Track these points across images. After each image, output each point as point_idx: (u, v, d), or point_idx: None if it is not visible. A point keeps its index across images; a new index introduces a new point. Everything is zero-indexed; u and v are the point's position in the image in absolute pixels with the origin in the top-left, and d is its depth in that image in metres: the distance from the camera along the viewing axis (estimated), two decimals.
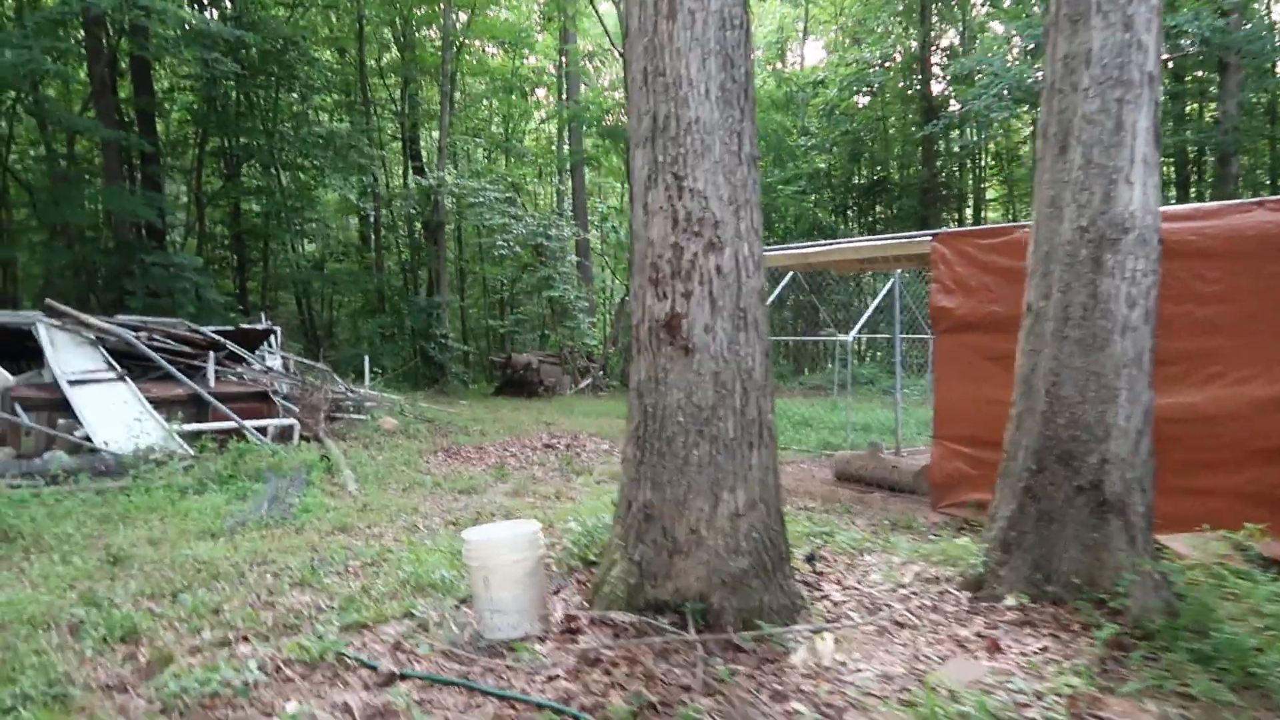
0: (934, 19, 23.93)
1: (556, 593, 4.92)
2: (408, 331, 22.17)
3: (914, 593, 4.84)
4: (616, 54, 24.39)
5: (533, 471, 9.98)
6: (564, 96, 27.24)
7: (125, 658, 4.27)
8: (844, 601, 4.66)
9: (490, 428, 13.56)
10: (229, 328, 12.71)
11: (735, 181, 4.23)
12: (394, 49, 26.12)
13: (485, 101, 29.29)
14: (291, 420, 11.01)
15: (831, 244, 8.57)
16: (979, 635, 4.26)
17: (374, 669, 3.97)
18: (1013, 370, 7.16)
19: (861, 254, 8.15)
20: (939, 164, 23.73)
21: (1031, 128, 27.37)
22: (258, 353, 13.19)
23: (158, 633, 4.57)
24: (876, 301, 11.04)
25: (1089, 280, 4.42)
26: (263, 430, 10.63)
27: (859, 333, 11.93)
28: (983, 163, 28.55)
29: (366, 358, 15.60)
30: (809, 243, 9.61)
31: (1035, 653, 4.05)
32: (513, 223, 19.61)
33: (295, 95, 21.45)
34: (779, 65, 31.62)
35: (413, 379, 20.25)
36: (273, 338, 13.58)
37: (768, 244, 28.39)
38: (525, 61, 29.86)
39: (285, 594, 5.22)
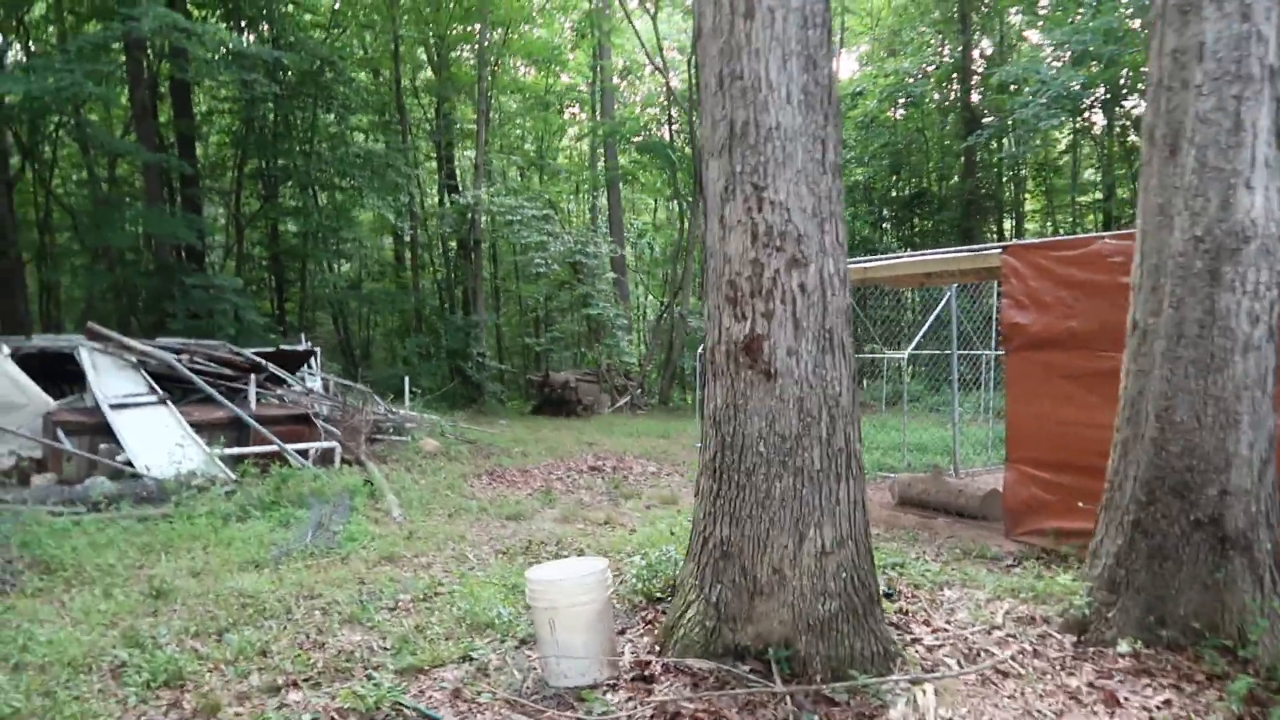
0: (973, 28, 23.49)
1: (622, 633, 4.60)
2: (444, 351, 22.02)
3: (1011, 635, 4.47)
4: (651, 69, 24.21)
5: (580, 495, 9.68)
6: (597, 113, 27.14)
7: (169, 705, 4.02)
8: (937, 646, 4.30)
9: (532, 449, 13.29)
10: (269, 349, 12.58)
11: (819, 192, 3.91)
12: (428, 69, 26.17)
13: (518, 120, 29.25)
14: (333, 443, 10.81)
15: (894, 258, 8.22)
16: (1091, 686, 3.88)
17: None
18: (1093, 389, 6.79)
19: (927, 267, 7.80)
20: (980, 175, 23.22)
21: (1071, 136, 26.79)
22: (298, 374, 13.04)
23: (203, 677, 4.31)
24: (933, 316, 10.64)
25: (1205, 294, 4.05)
26: (304, 453, 10.43)
27: (914, 349, 11.55)
28: (1023, 174, 27.93)
29: (406, 378, 15.43)
30: (868, 257, 9.26)
31: (1158, 707, 3.68)
32: (550, 240, 19.40)
33: (332, 116, 21.47)
34: None
35: (450, 399, 20.06)
36: (313, 359, 13.43)
37: None
38: (559, 79, 29.81)
39: (335, 633, 4.95)
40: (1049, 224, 29.07)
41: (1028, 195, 29.23)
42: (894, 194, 26.18)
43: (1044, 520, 6.93)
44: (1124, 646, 4.10)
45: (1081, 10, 19.37)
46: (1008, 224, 24.85)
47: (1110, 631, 4.27)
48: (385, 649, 4.65)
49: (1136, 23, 18.07)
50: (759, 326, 3.91)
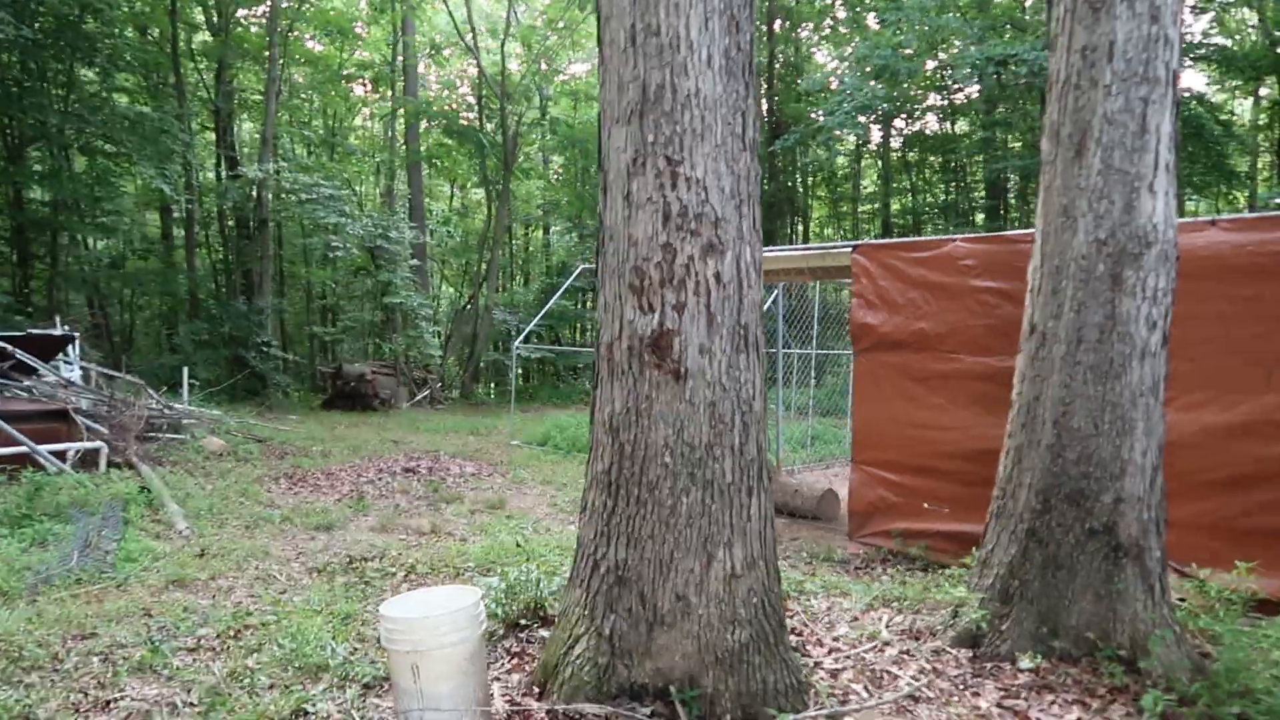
0: (776, 40, 24.15)
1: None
2: (223, 339, 20.02)
3: (905, 652, 4.23)
4: (464, 45, 23.10)
5: (396, 500, 8.83)
6: (392, 93, 25.61)
7: None
8: (839, 670, 3.98)
9: (333, 447, 12.17)
10: (15, 334, 10.73)
11: (738, 170, 3.47)
12: (205, 31, 23.76)
13: (305, 94, 27.16)
14: (98, 443, 9.32)
15: None
16: (1001, 707, 3.68)
17: None
18: (941, 392, 6.82)
19: (779, 264, 7.61)
20: (782, 178, 23.91)
21: (855, 148, 28.23)
22: (52, 363, 11.23)
23: None
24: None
25: (1107, 299, 3.96)
26: (61, 455, 8.93)
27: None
28: (814, 180, 29.23)
29: (185, 369, 13.73)
30: None
31: None
32: (348, 221, 17.98)
33: (93, 71, 18.91)
34: None
35: (230, 391, 18.23)
36: (70, 346, 11.62)
37: None
38: (352, 54, 27.97)
39: (122, 686, 4.00)
40: (833, 229, 30.59)
41: (815, 201, 30.62)
42: None
43: (890, 522, 6.89)
44: (1025, 662, 3.95)
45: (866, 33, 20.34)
46: (800, 227, 25.78)
47: (1004, 644, 4.12)
48: (191, 705, 3.79)
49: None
50: (669, 320, 3.42)
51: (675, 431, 3.44)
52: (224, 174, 22.87)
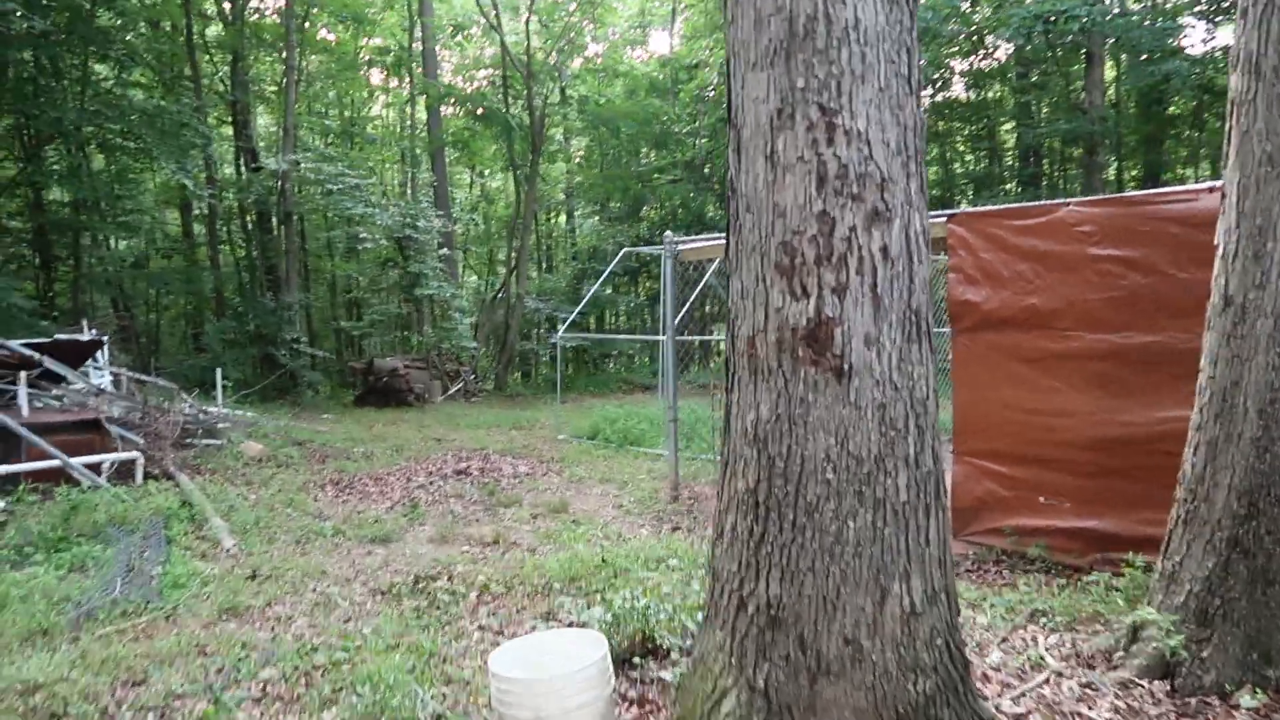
0: None
1: None
2: (249, 337, 19.55)
3: (1088, 686, 3.61)
4: (487, 24, 22.32)
5: (450, 506, 8.28)
6: (408, 79, 24.91)
7: None
8: (1024, 716, 3.37)
9: (374, 449, 11.64)
10: (43, 340, 10.25)
11: (904, 120, 2.85)
12: (218, 23, 23.20)
13: (322, 82, 26.57)
14: (134, 453, 8.83)
15: None
16: None
17: None
18: (1057, 374, 6.17)
19: None
20: None
21: None
22: (81, 370, 10.76)
23: None
24: None
25: None
26: (96, 468, 8.44)
27: None
28: None
29: (219, 370, 13.25)
30: None
31: None
32: (376, 212, 17.43)
33: (108, 67, 18.40)
34: (643, 51, 30.52)
35: (260, 391, 17.77)
36: (100, 351, 11.14)
37: (643, 236, 27.11)
38: (369, 42, 27.37)
39: None
40: None
41: None
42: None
43: (1001, 518, 6.25)
44: (1246, 699, 3.32)
45: None
46: None
47: (1207, 675, 3.50)
48: None
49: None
50: (828, 306, 2.80)
51: (838, 441, 2.83)
52: (244, 168, 22.35)
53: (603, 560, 5.66)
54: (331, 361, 24.42)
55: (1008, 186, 25.31)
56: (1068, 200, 6.06)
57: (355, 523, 7.51)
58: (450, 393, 20.83)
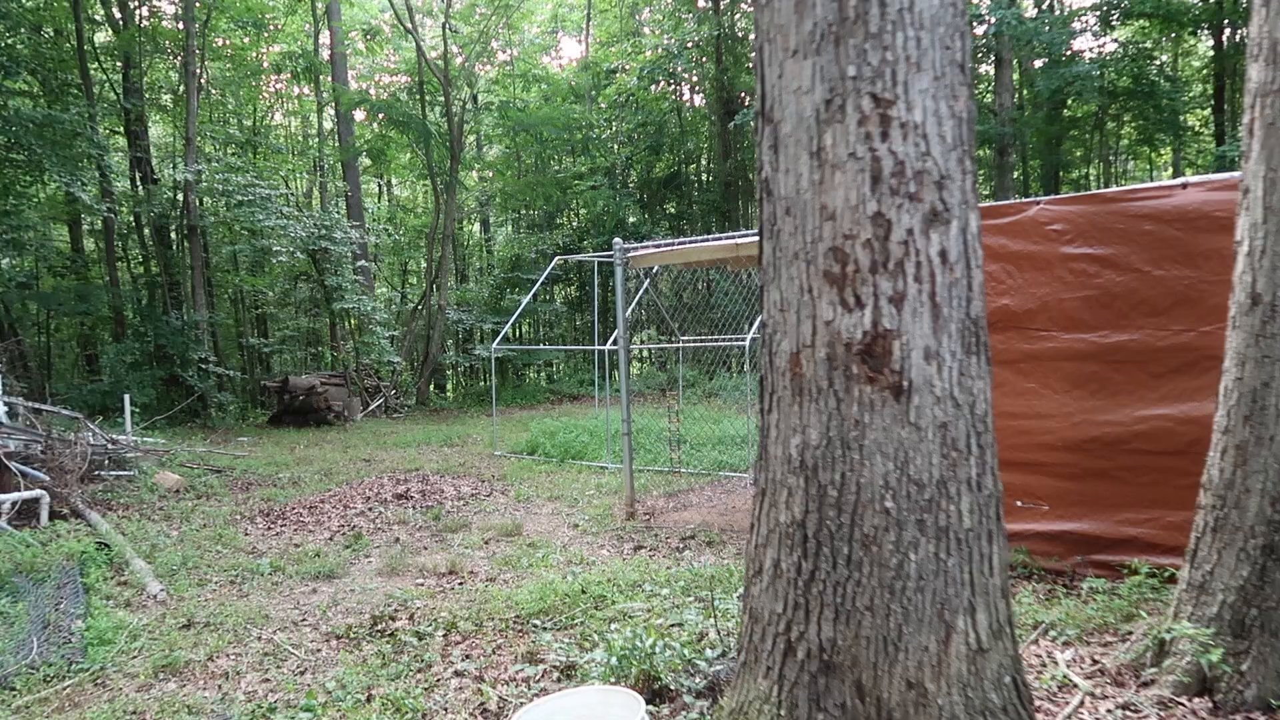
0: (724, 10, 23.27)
1: None
2: (154, 357, 18.44)
3: (1126, 707, 3.43)
4: (402, 28, 21.55)
5: (394, 533, 7.79)
6: (317, 85, 23.97)
7: None
8: None
9: (301, 474, 10.99)
10: None
11: (958, 112, 2.60)
12: (106, 28, 21.87)
13: (221, 90, 25.36)
14: (37, 491, 8.06)
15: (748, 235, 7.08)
16: None
17: None
18: (1031, 375, 6.08)
19: None
20: (740, 157, 23.10)
21: None
22: None
23: None
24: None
25: None
26: None
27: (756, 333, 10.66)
28: None
29: (127, 396, 12.33)
30: (741, 232, 8.14)
31: None
32: (289, 224, 16.60)
33: None
34: (551, 57, 30.10)
35: (169, 415, 16.74)
36: None
37: (562, 244, 26.70)
38: (271, 49, 26.28)
39: None
40: None
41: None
42: (652, 175, 25.50)
43: None
44: None
45: None
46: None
47: (1249, 690, 3.36)
48: None
49: None
50: (885, 317, 2.53)
51: (898, 466, 2.57)
52: (139, 180, 21.10)
53: (581, 590, 5.29)
54: (241, 381, 23.30)
55: None
56: (1038, 199, 5.98)
57: (294, 557, 6.97)
58: (370, 409, 20.08)
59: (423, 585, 6.18)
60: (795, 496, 2.70)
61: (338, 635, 5.17)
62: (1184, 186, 5.36)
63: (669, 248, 7.64)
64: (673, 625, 4.47)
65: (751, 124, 22.29)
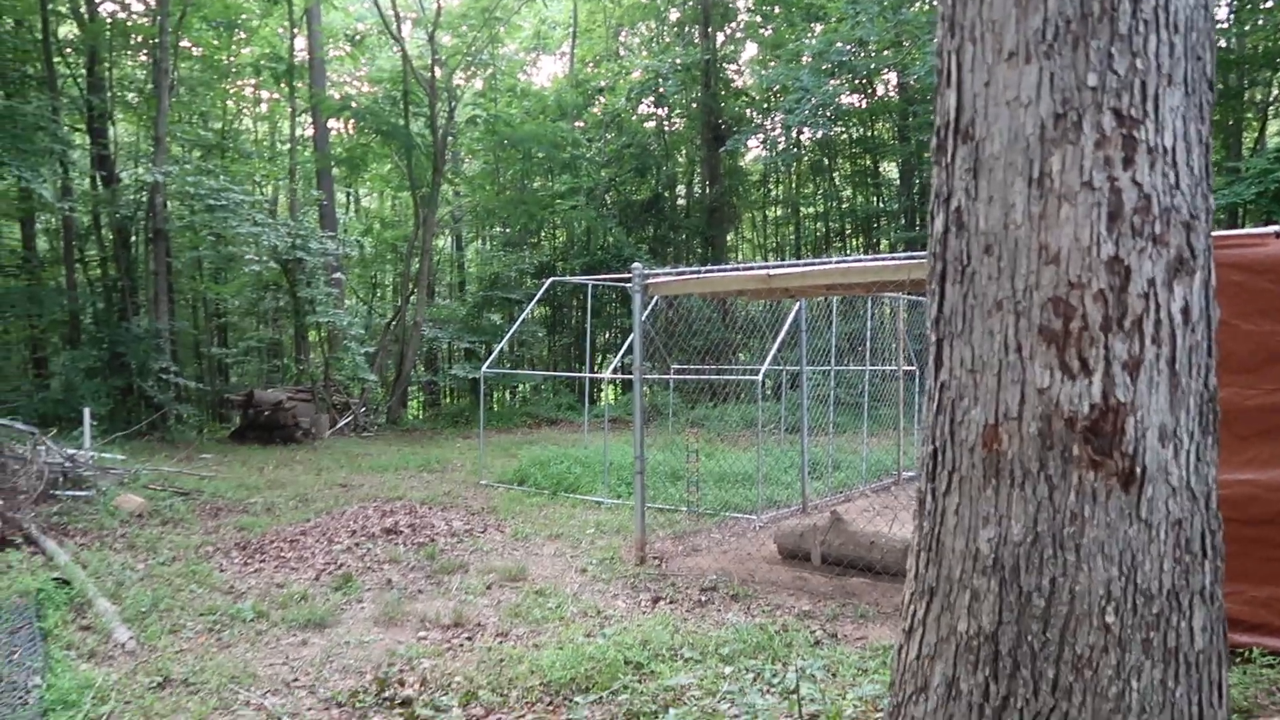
0: (717, 32, 22.98)
1: None
2: (111, 366, 17.50)
3: None
4: (389, 34, 20.90)
5: (386, 574, 7.15)
6: (292, 91, 23.13)
7: None
8: None
9: (274, 499, 10.26)
10: None
11: (1204, 137, 2.13)
12: (70, 22, 20.95)
13: (190, 92, 24.47)
14: None
15: (860, 260, 6.57)
16: None
17: None
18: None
19: (905, 274, 6.26)
20: (726, 182, 22.73)
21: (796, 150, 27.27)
22: None
23: None
24: (785, 330, 9.29)
25: None
26: None
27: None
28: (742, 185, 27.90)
29: (86, 408, 11.49)
30: (838, 258, 7.66)
31: None
32: (263, 231, 15.86)
33: None
34: (528, 75, 29.59)
35: (124, 427, 15.82)
36: None
37: (546, 261, 25.89)
38: (244, 51, 25.48)
39: None
40: (772, 238, 29.56)
41: (767, 205, 29.22)
42: (634, 197, 25.02)
43: None
44: None
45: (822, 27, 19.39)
46: (747, 232, 24.72)
47: None
48: None
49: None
50: (1118, 388, 2.05)
51: (1123, 572, 2.07)
52: (100, 179, 20.15)
53: (624, 661, 4.72)
54: (202, 392, 22.33)
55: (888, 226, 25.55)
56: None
57: (277, 600, 6.31)
58: (338, 427, 19.29)
59: (426, 639, 5.58)
60: (984, 602, 2.19)
61: (339, 703, 4.55)
62: (1277, 236, 4.99)
63: (694, 275, 7.14)
64: (739, 714, 3.92)
65: (734, 150, 21.99)
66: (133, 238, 20.53)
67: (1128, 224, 2.03)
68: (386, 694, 4.61)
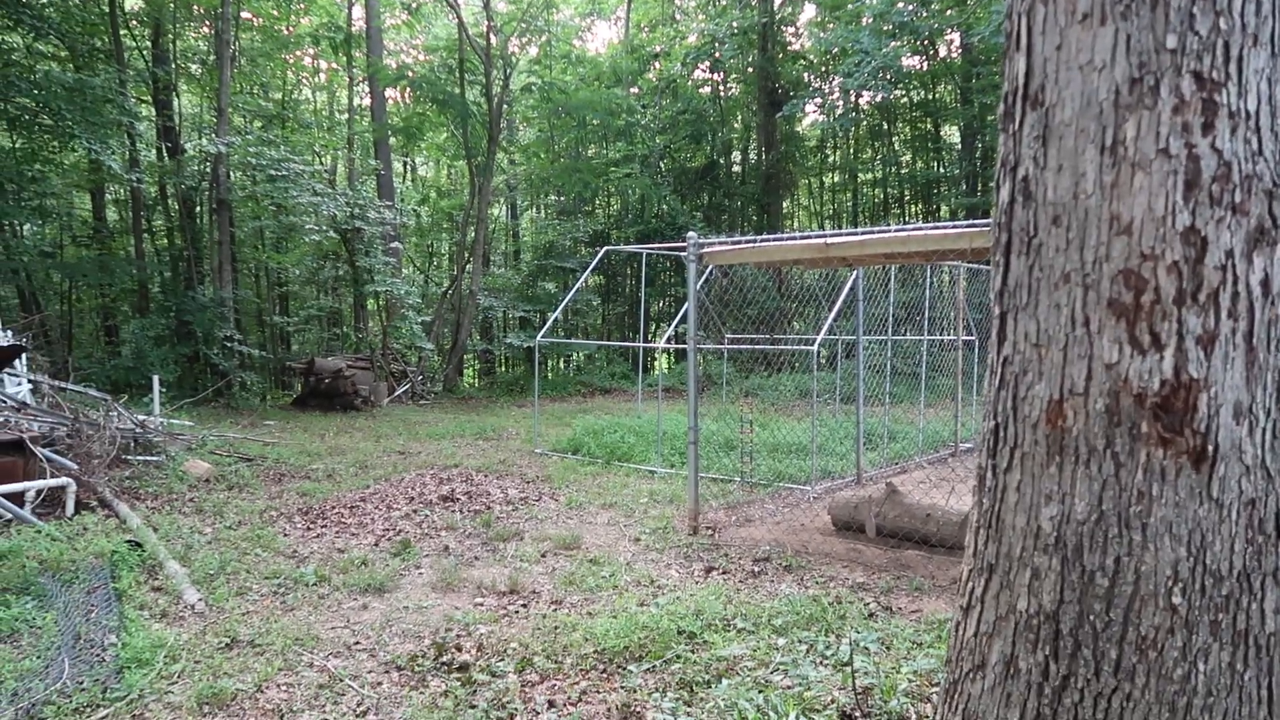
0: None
1: None
2: (179, 334, 18.01)
3: None
4: (436, 3, 21.01)
5: (443, 540, 7.28)
6: (349, 60, 23.36)
7: None
8: None
9: (335, 466, 10.50)
10: None
11: None
12: None
13: (250, 62, 24.86)
14: (64, 479, 7.59)
15: (940, 227, 6.43)
16: None
17: None
18: None
19: (952, 243, 6.15)
20: (784, 148, 22.44)
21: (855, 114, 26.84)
22: None
23: None
24: (841, 299, 9.17)
25: None
26: (18, 499, 7.20)
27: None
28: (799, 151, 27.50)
29: (156, 376, 11.85)
30: (904, 226, 7.55)
31: None
32: (324, 201, 16.09)
33: (17, 36, 16.64)
34: (582, 41, 29.43)
35: (191, 394, 16.29)
36: (20, 359, 9.72)
37: (600, 230, 25.94)
38: (304, 21, 25.76)
39: None
40: (832, 202, 29.14)
41: (822, 172, 28.83)
42: (689, 164, 24.84)
43: None
44: None
45: None
46: (804, 199, 24.41)
47: None
48: None
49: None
50: (1191, 364, 1.97)
51: (1191, 552, 2.01)
52: (165, 150, 20.63)
53: (677, 631, 4.75)
54: (264, 360, 22.89)
55: (949, 190, 25.03)
56: None
57: (338, 565, 6.47)
58: (396, 395, 19.62)
59: (482, 605, 5.66)
60: (1045, 581, 2.15)
61: (399, 666, 4.65)
62: None
63: (749, 245, 7.06)
64: (792, 685, 3.92)
65: (796, 114, 21.63)
66: (197, 208, 21.03)
67: (1205, 193, 1.94)
68: (444, 658, 4.71)
